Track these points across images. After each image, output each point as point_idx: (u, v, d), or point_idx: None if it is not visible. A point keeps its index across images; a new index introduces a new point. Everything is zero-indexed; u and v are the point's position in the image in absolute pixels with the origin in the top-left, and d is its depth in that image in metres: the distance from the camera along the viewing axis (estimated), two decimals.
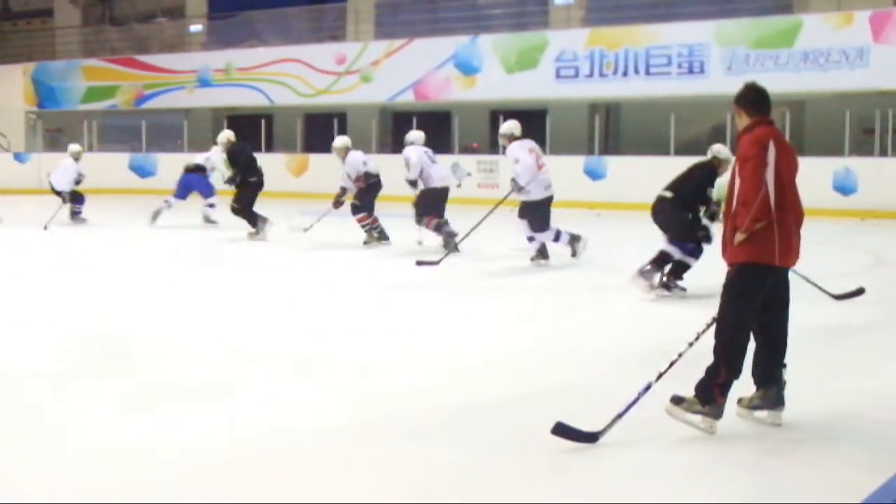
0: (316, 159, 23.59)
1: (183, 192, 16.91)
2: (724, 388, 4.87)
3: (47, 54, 29.76)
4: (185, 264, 11.90)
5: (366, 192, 13.63)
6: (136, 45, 28.74)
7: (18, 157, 26.10)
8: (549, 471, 4.43)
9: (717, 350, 4.90)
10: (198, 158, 17.20)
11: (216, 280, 10.64)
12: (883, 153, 18.80)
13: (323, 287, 10.04)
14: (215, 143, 15.48)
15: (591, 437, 4.68)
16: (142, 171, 25.81)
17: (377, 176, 13.80)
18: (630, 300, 9.14)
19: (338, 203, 13.93)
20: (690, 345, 5.02)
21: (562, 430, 4.66)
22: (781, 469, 4.49)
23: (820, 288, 8.64)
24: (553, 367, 6.34)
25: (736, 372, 4.89)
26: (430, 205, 12.82)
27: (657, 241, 9.90)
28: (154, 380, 5.99)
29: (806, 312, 5.79)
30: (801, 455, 4.68)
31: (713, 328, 5.00)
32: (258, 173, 14.63)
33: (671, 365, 4.98)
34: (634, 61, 20.69)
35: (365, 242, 13.50)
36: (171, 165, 25.10)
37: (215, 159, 16.09)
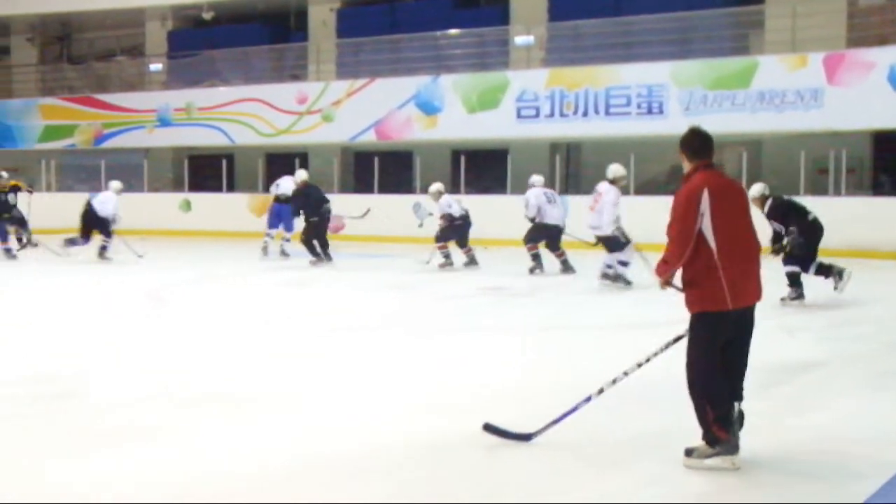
0: None
1: (275, 220, 18.02)
2: (722, 423, 4.91)
3: (4, 93, 29.53)
4: (132, 304, 11.80)
5: (448, 229, 15.68)
6: (94, 84, 28.61)
7: None
8: None
9: (694, 393, 4.98)
10: (281, 188, 18.22)
11: (164, 320, 10.58)
12: (836, 193, 19.03)
13: (280, 327, 10.01)
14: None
15: (524, 437, 4.95)
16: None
17: (462, 217, 15.76)
18: (589, 337, 9.24)
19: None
20: (639, 365, 5.12)
21: (492, 429, 5.02)
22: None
23: None
24: (499, 405, 6.33)
25: (721, 404, 4.94)
26: (536, 235, 14.75)
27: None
28: (91, 423, 5.93)
29: (762, 351, 5.85)
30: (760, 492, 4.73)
31: (663, 354, 5.25)
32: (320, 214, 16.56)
33: (614, 381, 5.22)
34: (594, 101, 20.88)
35: (440, 265, 15.55)
36: (130, 206, 25.05)
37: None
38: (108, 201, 17.35)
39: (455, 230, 15.66)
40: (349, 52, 25.42)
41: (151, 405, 6.40)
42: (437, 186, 16.01)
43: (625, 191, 19.76)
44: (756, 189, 11.42)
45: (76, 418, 6.04)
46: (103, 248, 17.18)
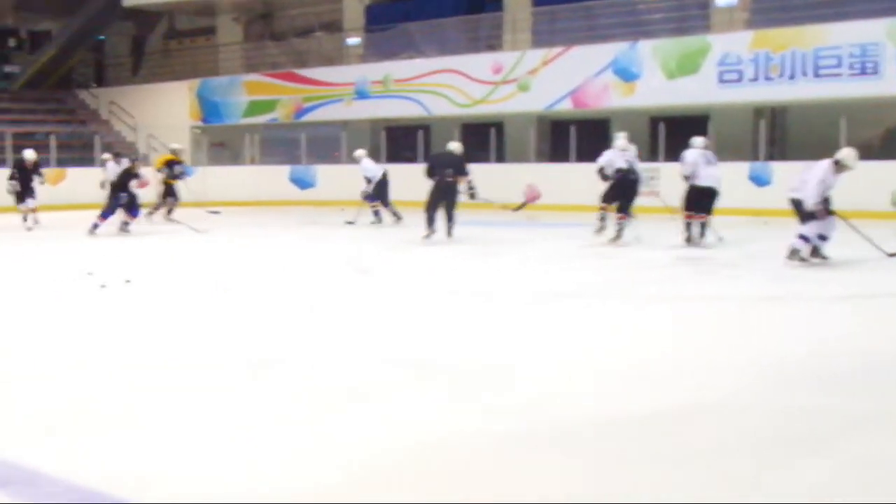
0: (474, 169, 23.41)
1: None
2: None
3: (211, 71, 30.52)
4: (335, 272, 11.88)
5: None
6: (295, 60, 29.23)
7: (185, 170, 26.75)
8: (710, 483, 4.14)
9: None
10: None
11: (366, 288, 10.57)
12: None
13: (478, 295, 9.86)
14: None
15: None
16: (302, 183, 26.19)
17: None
18: (792, 310, 8.74)
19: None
20: None
21: None
22: None
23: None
24: (708, 379, 6.01)
25: None
26: (692, 201, 13.83)
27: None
28: (309, 387, 5.91)
29: None
30: None
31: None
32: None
33: None
34: (802, 63, 19.90)
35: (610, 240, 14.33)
36: (330, 177, 25.55)
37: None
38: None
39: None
40: (545, 21, 25.07)
41: (367, 370, 6.34)
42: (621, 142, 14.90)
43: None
44: None
45: (294, 384, 6.04)
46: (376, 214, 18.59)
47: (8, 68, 34.32)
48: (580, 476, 4.27)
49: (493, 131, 23.49)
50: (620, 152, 14.61)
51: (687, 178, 13.90)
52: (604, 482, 4.20)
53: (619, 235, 14.30)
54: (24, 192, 18.36)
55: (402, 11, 27.49)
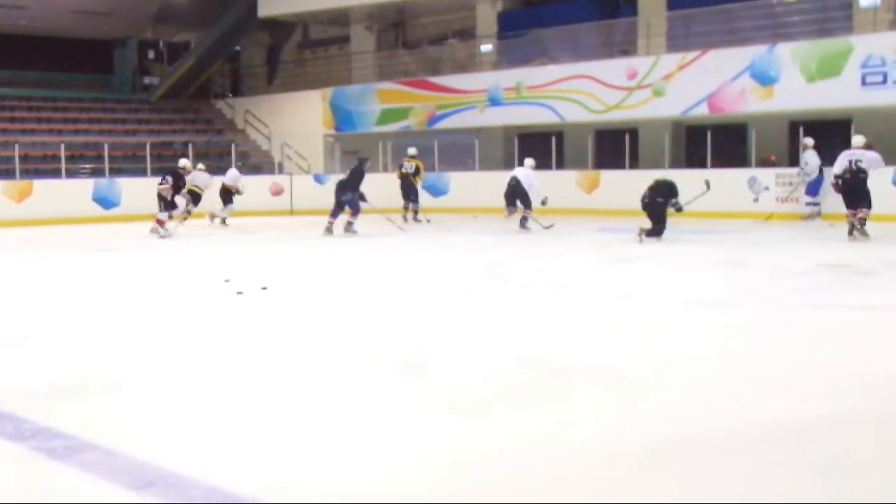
0: (607, 176, 23.31)
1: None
2: None
3: (344, 80, 30.92)
4: (471, 279, 11.86)
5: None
6: (428, 67, 29.37)
7: (318, 178, 27.17)
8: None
9: None
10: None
11: (503, 294, 10.53)
12: None
13: (625, 299, 9.75)
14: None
15: None
16: (434, 191, 26.28)
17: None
18: None
19: None
20: None
21: None
22: None
23: None
24: (866, 390, 5.82)
25: None
26: None
27: None
28: (452, 389, 5.93)
29: None
30: None
31: None
32: None
33: None
34: None
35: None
36: (463, 185, 25.59)
37: None
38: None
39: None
40: (680, 24, 24.71)
41: (518, 375, 6.33)
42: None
43: None
44: None
45: (440, 387, 6.05)
46: (524, 220, 18.60)
47: (147, 79, 35.47)
48: (730, 485, 4.18)
49: (627, 137, 23.22)
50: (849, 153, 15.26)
51: None
52: (753, 490, 4.10)
53: (862, 232, 14.82)
54: (172, 201, 18.75)
55: (535, 18, 27.44)
